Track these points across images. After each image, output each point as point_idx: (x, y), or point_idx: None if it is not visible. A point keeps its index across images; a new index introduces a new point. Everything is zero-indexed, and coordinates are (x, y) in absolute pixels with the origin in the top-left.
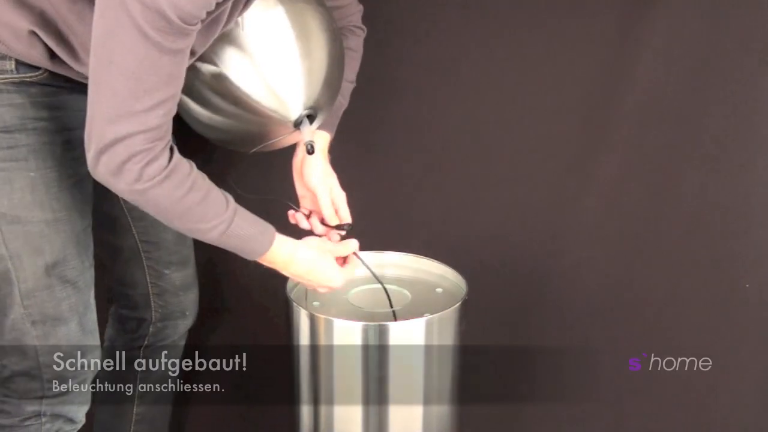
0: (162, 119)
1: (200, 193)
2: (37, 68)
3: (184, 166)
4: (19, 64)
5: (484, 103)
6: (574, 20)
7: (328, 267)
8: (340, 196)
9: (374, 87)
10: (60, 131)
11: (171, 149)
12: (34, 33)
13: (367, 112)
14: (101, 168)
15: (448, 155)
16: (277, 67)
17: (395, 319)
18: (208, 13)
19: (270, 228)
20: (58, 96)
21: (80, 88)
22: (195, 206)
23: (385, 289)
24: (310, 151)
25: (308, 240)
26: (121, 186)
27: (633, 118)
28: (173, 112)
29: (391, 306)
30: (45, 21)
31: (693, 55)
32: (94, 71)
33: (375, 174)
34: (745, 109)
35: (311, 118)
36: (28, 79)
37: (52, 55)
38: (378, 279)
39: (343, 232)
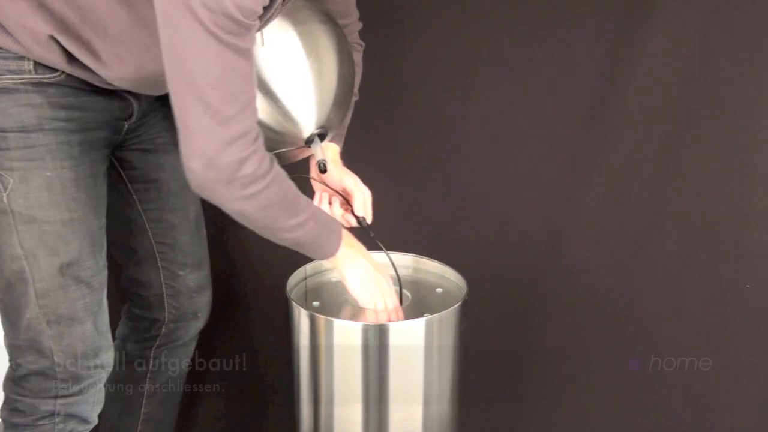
0: (252, 118)
1: (293, 185)
2: (56, 69)
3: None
4: (38, 65)
5: (484, 103)
6: (574, 21)
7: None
8: (367, 194)
9: (374, 88)
10: (77, 131)
11: None
12: (53, 38)
13: (368, 114)
14: (211, 184)
15: (449, 156)
16: (290, 87)
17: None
18: (265, 9)
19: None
20: (77, 97)
21: (98, 89)
22: (294, 197)
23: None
24: (323, 170)
25: None
26: (234, 194)
27: (633, 119)
28: (258, 112)
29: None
30: (66, 26)
31: (693, 55)
32: (179, 91)
33: (375, 174)
34: (745, 109)
35: (322, 136)
36: (46, 80)
37: (70, 60)
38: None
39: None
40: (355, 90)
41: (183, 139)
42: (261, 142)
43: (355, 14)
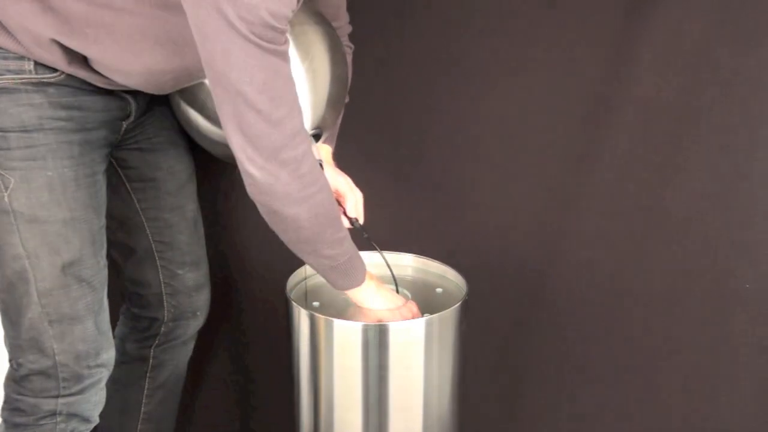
0: (300, 117)
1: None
2: (56, 69)
3: None
4: (38, 65)
5: (484, 103)
6: (573, 20)
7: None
8: (359, 196)
9: (374, 88)
10: (77, 131)
11: None
12: (55, 41)
13: (367, 114)
14: (270, 186)
15: (448, 156)
16: None
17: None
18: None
19: None
20: (76, 96)
21: (98, 89)
22: (337, 210)
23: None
24: None
25: None
26: (294, 195)
27: (633, 119)
28: (302, 109)
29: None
30: (70, 28)
31: (693, 55)
32: (228, 101)
33: (375, 174)
34: (744, 109)
35: (317, 137)
36: (46, 80)
37: (71, 60)
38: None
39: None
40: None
41: (238, 146)
42: (311, 142)
43: (346, 17)
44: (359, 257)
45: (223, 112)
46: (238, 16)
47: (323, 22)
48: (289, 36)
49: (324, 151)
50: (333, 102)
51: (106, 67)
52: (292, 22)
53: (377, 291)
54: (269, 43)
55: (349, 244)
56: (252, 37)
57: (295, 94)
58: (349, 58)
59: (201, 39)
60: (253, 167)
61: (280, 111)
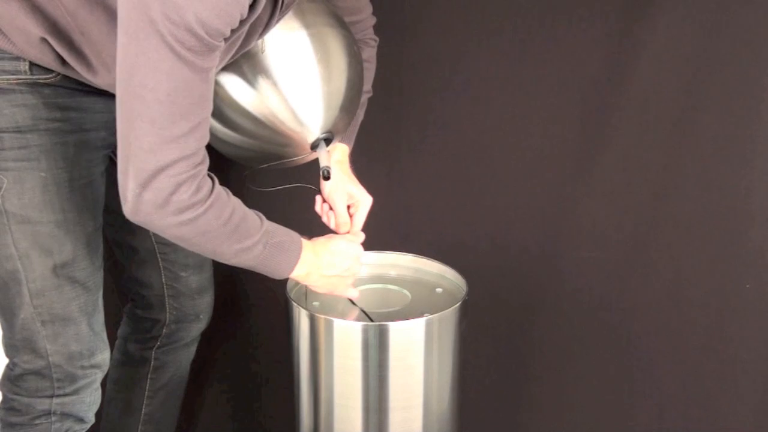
0: (199, 143)
1: (239, 208)
2: (51, 71)
3: (219, 186)
4: (33, 65)
5: (484, 103)
6: (574, 21)
7: (346, 240)
8: (363, 203)
9: (375, 88)
10: (73, 132)
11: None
12: (45, 40)
13: (368, 114)
14: (144, 206)
15: (449, 156)
16: (296, 91)
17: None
18: (232, 32)
19: (292, 231)
20: (73, 97)
21: (95, 90)
22: (240, 222)
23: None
24: (326, 177)
25: None
26: (168, 220)
27: (633, 119)
28: (207, 137)
29: (370, 319)
30: (57, 30)
31: (692, 56)
32: (126, 103)
33: (375, 174)
34: (745, 109)
35: (328, 141)
36: (41, 81)
37: (64, 61)
38: (368, 316)
39: None
40: (369, 87)
41: (122, 156)
42: (205, 167)
43: (368, 8)
44: (279, 252)
45: (118, 116)
46: (162, 13)
47: (340, 24)
48: (300, 36)
49: (340, 150)
50: (346, 106)
51: (89, 76)
52: (308, 24)
53: (312, 277)
54: (189, 51)
55: (261, 248)
56: (171, 40)
57: (204, 118)
58: (373, 51)
59: (120, 31)
60: (131, 182)
61: (174, 129)
